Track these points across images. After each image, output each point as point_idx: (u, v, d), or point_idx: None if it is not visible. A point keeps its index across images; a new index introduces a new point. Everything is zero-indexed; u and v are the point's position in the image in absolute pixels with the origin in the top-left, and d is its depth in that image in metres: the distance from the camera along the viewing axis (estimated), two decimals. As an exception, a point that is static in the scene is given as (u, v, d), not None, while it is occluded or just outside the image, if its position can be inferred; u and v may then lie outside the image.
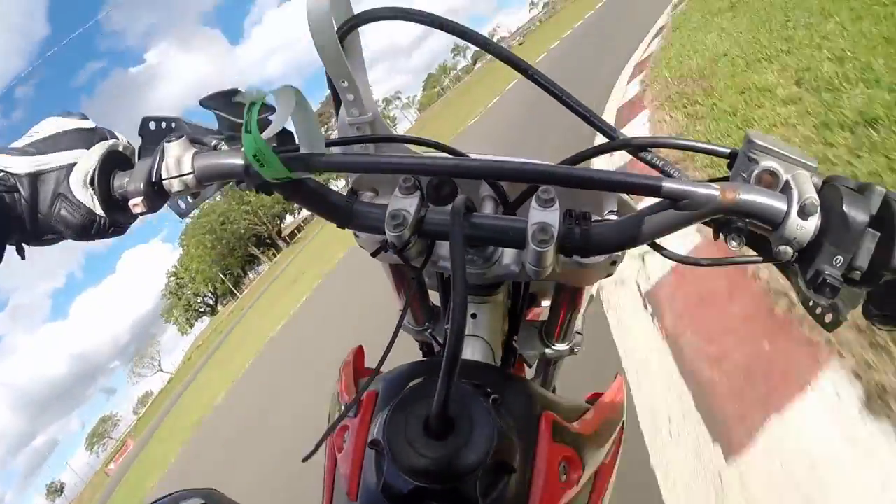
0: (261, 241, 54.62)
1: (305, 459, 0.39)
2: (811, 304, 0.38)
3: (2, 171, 0.41)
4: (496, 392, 0.38)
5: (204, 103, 0.46)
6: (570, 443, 0.43)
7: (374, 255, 0.50)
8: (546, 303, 0.69)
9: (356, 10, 0.46)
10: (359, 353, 0.58)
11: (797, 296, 0.39)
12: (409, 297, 0.51)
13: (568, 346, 0.66)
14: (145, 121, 0.46)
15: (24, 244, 0.44)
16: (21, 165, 0.42)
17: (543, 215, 0.39)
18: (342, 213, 0.44)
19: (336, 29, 0.44)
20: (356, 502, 0.40)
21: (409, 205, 0.41)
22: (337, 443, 0.46)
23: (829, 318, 0.37)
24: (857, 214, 0.33)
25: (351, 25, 0.46)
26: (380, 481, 0.35)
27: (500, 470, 0.35)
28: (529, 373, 0.75)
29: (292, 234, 53.75)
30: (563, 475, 0.41)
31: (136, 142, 0.47)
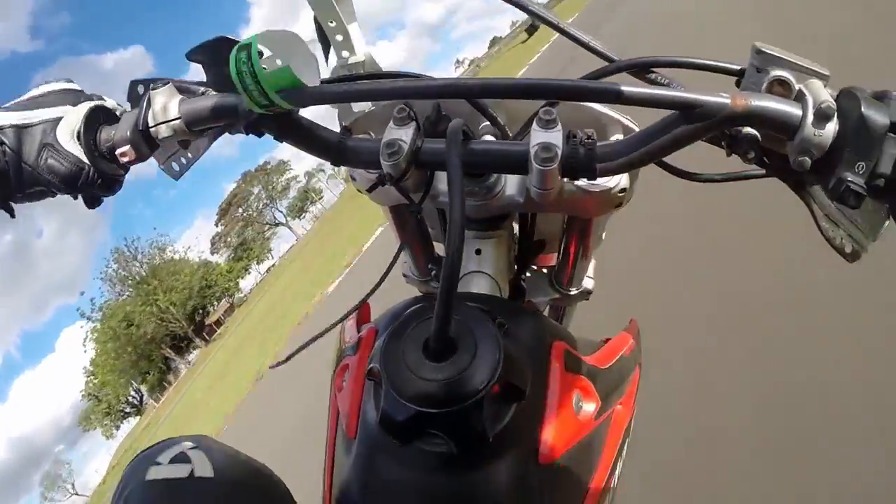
0: (178, 341, 48.69)
1: (273, 366, 0.40)
2: (831, 232, 0.37)
3: None
4: (506, 319, 0.37)
5: (190, 56, 0.44)
6: (585, 374, 0.41)
7: (370, 190, 0.48)
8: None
9: None
10: (364, 309, 0.53)
11: (816, 222, 0.38)
12: (408, 234, 0.48)
13: (578, 291, 0.65)
14: (133, 84, 0.46)
15: (11, 202, 0.44)
16: (5, 119, 0.42)
17: (546, 136, 0.39)
18: (335, 149, 0.43)
19: None
20: (354, 439, 0.37)
21: (404, 135, 0.41)
22: (337, 384, 0.43)
23: (849, 247, 0.36)
24: (878, 118, 0.31)
25: None
26: (378, 413, 0.32)
27: (508, 395, 0.33)
28: None
29: (211, 331, 48.07)
30: (578, 407, 0.38)
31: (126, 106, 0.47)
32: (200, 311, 48.26)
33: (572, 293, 0.65)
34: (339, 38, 0.47)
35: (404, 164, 0.40)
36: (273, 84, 0.35)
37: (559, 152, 0.38)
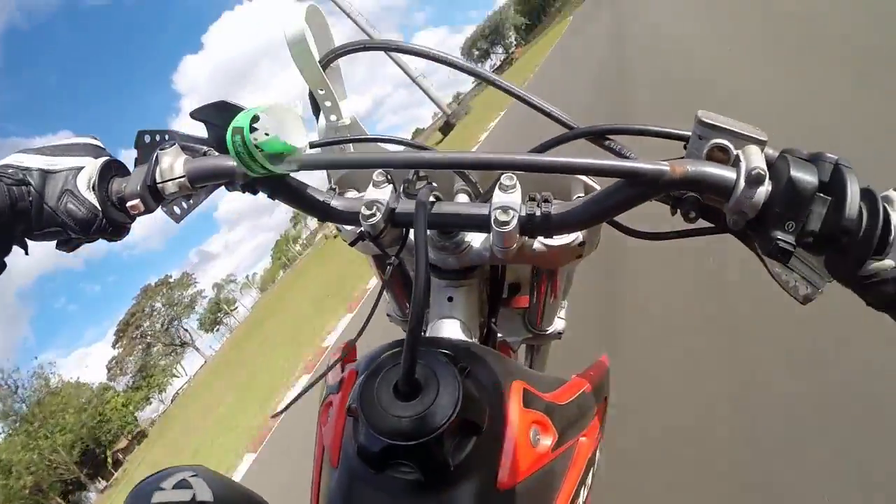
0: (71, 487, 37.86)
1: (275, 416, 0.39)
2: (784, 276, 0.39)
3: (17, 166, 0.46)
4: (468, 362, 0.41)
5: (194, 115, 0.50)
6: (542, 410, 0.44)
7: (352, 244, 0.53)
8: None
9: None
10: (347, 347, 0.57)
11: (767, 268, 0.39)
12: (385, 281, 0.53)
13: (550, 331, 0.69)
14: (140, 134, 0.50)
15: (27, 239, 0.47)
16: (35, 162, 0.47)
17: (505, 198, 0.44)
18: (321, 207, 0.48)
19: (318, 60, 0.50)
20: (337, 468, 0.41)
21: (381, 196, 0.46)
22: (323, 419, 0.47)
23: (803, 289, 0.37)
24: (806, 180, 0.33)
25: (331, 58, 0.53)
26: (356, 445, 0.37)
27: (467, 429, 0.37)
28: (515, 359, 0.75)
29: (109, 474, 38.71)
30: (535, 440, 0.42)
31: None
32: (97, 451, 39.81)
33: (544, 333, 0.69)
34: (328, 104, 0.52)
35: (381, 224, 0.45)
36: (265, 155, 0.40)
37: (516, 215, 0.42)
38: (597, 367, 0.61)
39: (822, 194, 0.34)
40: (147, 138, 0.51)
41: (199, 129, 0.53)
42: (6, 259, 0.48)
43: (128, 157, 0.52)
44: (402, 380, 0.36)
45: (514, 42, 66.09)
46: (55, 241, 0.50)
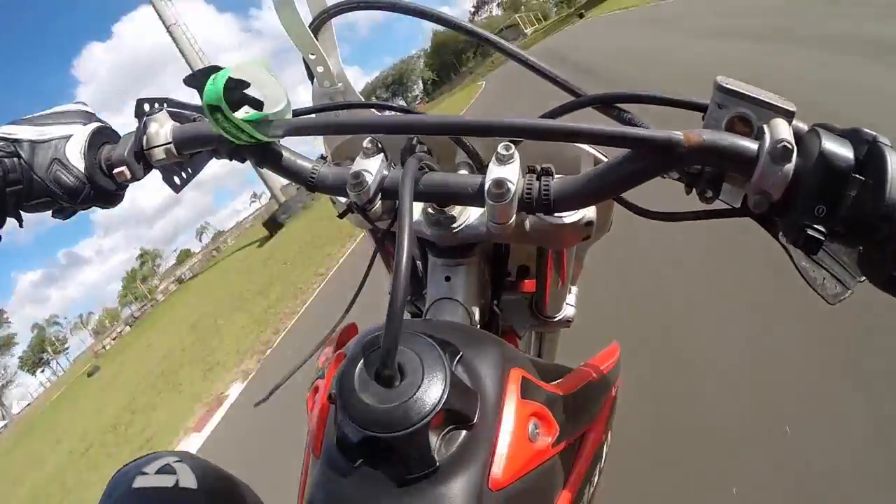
0: None
1: (257, 404, 0.41)
2: (811, 272, 0.35)
3: (7, 136, 0.46)
4: (461, 347, 0.38)
5: (187, 82, 0.48)
6: (543, 401, 0.41)
7: (340, 216, 0.50)
8: None
9: None
10: (350, 329, 0.55)
11: (794, 263, 0.36)
12: (374, 254, 0.50)
13: (557, 318, 0.65)
14: (140, 102, 0.50)
15: (21, 210, 0.48)
16: (25, 133, 0.47)
17: (501, 170, 0.39)
18: (308, 176, 0.45)
19: (310, 23, 0.48)
20: (318, 458, 0.38)
21: (370, 166, 0.43)
22: (309, 405, 0.45)
23: (832, 288, 0.34)
24: (839, 158, 0.29)
25: (322, 19, 0.50)
26: (336, 435, 0.34)
27: (456, 421, 0.34)
28: (521, 346, 0.72)
29: None
30: (534, 434, 0.39)
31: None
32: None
33: (551, 321, 0.66)
34: (320, 69, 0.50)
35: (370, 194, 0.42)
36: (246, 123, 0.38)
37: (512, 188, 0.38)
38: (606, 354, 0.58)
39: (858, 175, 0.29)
40: (146, 107, 0.50)
41: (197, 97, 0.52)
42: (0, 231, 0.49)
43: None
44: (381, 364, 0.33)
45: (419, 97, 61.47)
46: (50, 211, 0.50)
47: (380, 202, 0.43)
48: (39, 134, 0.47)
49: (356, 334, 0.59)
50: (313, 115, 0.50)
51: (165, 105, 0.51)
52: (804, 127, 0.33)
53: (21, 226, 0.49)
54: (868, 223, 0.29)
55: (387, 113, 0.55)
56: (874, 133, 0.30)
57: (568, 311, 0.67)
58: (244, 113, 0.39)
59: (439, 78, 61.52)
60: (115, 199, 0.50)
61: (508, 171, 0.39)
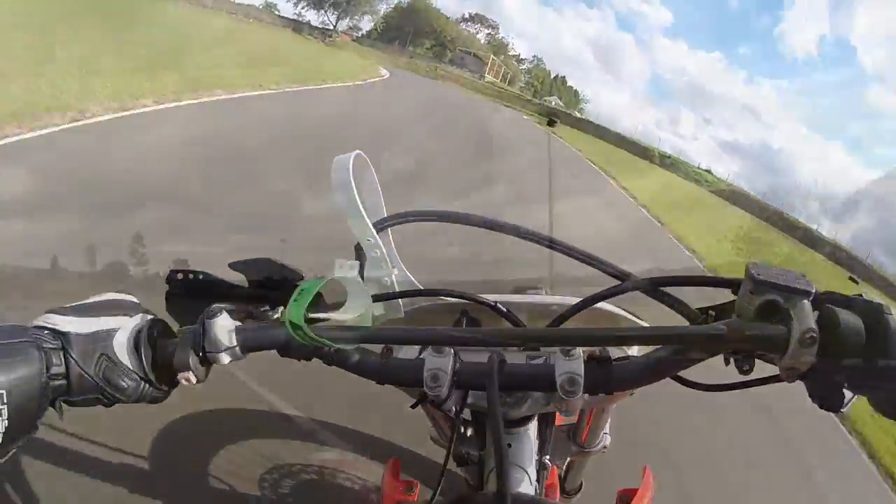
0: None
1: None
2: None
3: (51, 328, 0.43)
4: None
5: (234, 266, 0.50)
6: None
7: (413, 407, 0.52)
8: None
9: None
10: (395, 465, 0.56)
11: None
12: (451, 444, 0.51)
13: (595, 447, 0.69)
14: (172, 273, 0.50)
15: (63, 404, 0.44)
16: (69, 324, 0.44)
17: (568, 365, 0.43)
18: (379, 370, 0.47)
19: (372, 224, 0.52)
20: None
21: (443, 364, 0.45)
22: None
23: (836, 400, 0.39)
24: (854, 332, 0.36)
25: (384, 226, 0.55)
26: None
27: None
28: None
29: None
30: None
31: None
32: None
33: (589, 450, 0.70)
34: (375, 253, 0.52)
35: (446, 391, 0.44)
36: (324, 339, 0.41)
37: (581, 382, 0.42)
38: (645, 486, 0.61)
39: (870, 346, 0.36)
40: (179, 276, 0.50)
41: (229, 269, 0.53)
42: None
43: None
44: None
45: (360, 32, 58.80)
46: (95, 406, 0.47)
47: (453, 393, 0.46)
48: (84, 326, 0.44)
49: (398, 468, 0.61)
50: (389, 327, 0.54)
51: (201, 276, 0.51)
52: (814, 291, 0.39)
53: (61, 418, 0.44)
54: (883, 378, 0.35)
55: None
56: (872, 300, 0.37)
57: (605, 438, 0.70)
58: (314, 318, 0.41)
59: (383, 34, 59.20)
60: (164, 395, 0.47)
61: (575, 366, 0.43)
